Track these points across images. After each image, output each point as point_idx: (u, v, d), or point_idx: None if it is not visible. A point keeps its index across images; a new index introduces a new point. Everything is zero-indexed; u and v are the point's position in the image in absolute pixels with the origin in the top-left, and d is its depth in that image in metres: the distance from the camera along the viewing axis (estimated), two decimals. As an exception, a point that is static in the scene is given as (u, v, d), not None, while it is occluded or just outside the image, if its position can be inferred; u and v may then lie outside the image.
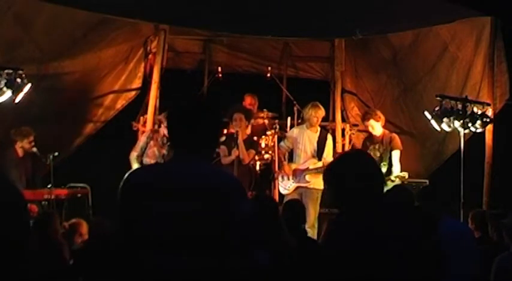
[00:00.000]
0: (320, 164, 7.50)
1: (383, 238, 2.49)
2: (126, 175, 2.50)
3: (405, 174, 7.45)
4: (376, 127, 7.71)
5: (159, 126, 7.73)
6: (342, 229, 2.60)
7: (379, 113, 7.76)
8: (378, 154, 7.64)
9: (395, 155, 7.61)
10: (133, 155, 7.43)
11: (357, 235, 2.50)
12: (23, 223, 2.33)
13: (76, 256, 5.12)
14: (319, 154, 7.65)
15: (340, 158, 2.94)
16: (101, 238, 5.07)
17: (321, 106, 7.76)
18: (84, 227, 5.89)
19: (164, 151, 7.45)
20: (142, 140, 7.62)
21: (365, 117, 7.88)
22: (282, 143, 7.95)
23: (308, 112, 7.73)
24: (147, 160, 7.41)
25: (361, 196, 2.61)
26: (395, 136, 7.73)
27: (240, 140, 7.24)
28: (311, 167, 7.57)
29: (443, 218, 4.46)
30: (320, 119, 7.77)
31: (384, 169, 7.53)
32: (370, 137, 7.86)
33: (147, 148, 7.45)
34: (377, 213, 2.59)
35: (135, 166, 7.36)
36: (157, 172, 2.55)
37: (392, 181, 7.22)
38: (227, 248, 2.36)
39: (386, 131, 7.81)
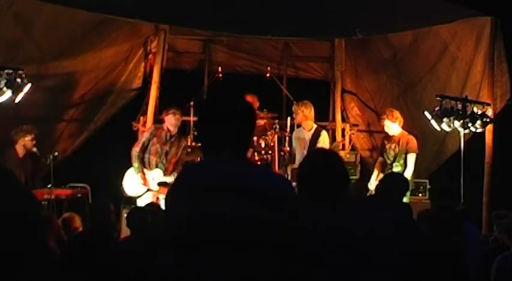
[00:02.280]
0: None
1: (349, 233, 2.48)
2: (179, 174, 2.40)
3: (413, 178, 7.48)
4: (392, 127, 7.62)
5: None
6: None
7: (396, 113, 7.65)
8: (393, 154, 7.61)
9: (411, 158, 7.52)
10: (135, 151, 7.35)
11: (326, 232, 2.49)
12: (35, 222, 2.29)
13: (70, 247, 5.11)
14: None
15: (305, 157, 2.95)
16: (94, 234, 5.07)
17: (301, 103, 7.74)
18: (77, 221, 5.89)
19: (167, 148, 7.41)
20: (145, 135, 7.55)
21: (381, 117, 7.82)
22: (293, 145, 8.03)
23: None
24: (150, 157, 7.37)
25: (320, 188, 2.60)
26: (412, 139, 7.62)
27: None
28: None
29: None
30: (302, 116, 7.71)
31: (396, 169, 7.51)
32: (387, 136, 7.81)
33: (150, 144, 7.40)
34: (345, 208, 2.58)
35: (135, 163, 7.32)
36: (214, 170, 2.39)
37: None
38: (280, 252, 2.30)
39: (405, 133, 7.70)
